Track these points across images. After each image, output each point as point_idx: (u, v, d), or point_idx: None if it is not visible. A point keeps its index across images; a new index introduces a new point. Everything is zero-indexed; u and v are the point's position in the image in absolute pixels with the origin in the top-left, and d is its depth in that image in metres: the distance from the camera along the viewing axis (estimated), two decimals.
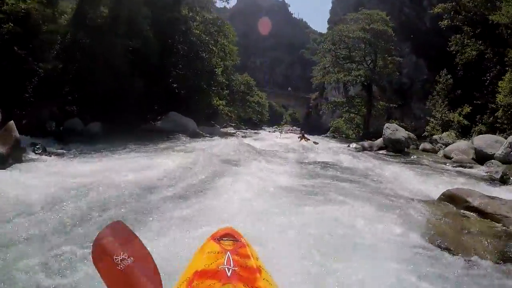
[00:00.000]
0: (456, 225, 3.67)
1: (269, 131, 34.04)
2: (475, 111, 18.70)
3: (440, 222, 3.73)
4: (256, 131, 33.02)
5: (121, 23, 13.23)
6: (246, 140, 15.50)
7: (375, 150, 13.36)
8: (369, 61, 25.72)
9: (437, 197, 4.80)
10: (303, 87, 61.20)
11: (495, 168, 9.02)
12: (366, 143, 14.66)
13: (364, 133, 24.98)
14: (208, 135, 15.24)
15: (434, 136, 17.19)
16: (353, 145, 15.66)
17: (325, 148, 13.54)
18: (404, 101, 26.13)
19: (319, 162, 8.80)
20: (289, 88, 60.25)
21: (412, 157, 12.00)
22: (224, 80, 23.54)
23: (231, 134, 19.77)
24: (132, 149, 8.65)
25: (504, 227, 3.54)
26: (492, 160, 9.87)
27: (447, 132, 18.28)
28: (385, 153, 12.59)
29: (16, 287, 2.18)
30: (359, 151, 13.74)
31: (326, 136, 27.67)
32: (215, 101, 24.01)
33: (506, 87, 16.13)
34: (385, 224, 3.60)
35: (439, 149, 14.57)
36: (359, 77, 24.34)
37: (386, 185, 5.93)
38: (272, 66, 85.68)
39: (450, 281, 2.56)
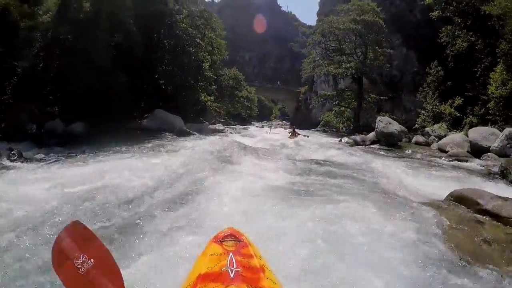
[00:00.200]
0: (470, 231, 3.28)
1: (257, 127, 33.52)
2: (466, 102, 18.60)
3: (452, 227, 3.32)
4: (245, 126, 32.50)
5: (103, 17, 12.47)
6: (235, 137, 15.02)
7: (368, 145, 12.99)
8: (360, 53, 25.33)
9: (442, 197, 4.44)
10: (293, 81, 60.87)
11: (492, 162, 8.76)
12: (358, 137, 14.27)
13: (355, 126, 24.74)
14: (195, 132, 14.64)
15: (426, 129, 16.98)
16: (345, 139, 15.29)
17: (317, 143, 13.10)
18: (395, 93, 25.91)
19: (311, 160, 8.39)
20: (278, 82, 59.63)
21: (406, 151, 11.70)
22: (211, 75, 22.84)
23: (220, 131, 19.20)
24: (115, 150, 8.10)
25: None
26: (488, 153, 9.61)
27: (438, 124, 18.13)
28: (378, 147, 12.25)
29: None
30: (352, 146, 13.38)
31: (317, 130, 27.37)
32: (203, 97, 23.36)
33: (498, 79, 16.02)
34: (390, 227, 3.34)
35: (432, 141, 14.30)
36: (350, 69, 23.97)
37: (385, 183, 5.57)
38: (261, 60, 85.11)
39: None
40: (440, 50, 20.98)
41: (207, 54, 22.72)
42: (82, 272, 1.32)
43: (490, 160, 8.89)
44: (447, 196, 4.00)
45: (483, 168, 8.06)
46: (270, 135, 19.39)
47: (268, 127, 30.96)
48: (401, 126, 15.19)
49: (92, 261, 1.36)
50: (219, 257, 1.48)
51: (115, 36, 13.01)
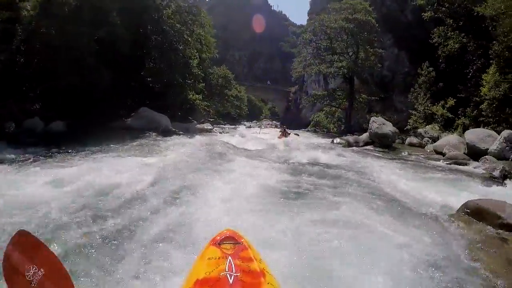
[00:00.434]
0: (495, 249, 2.75)
1: (246, 126, 32.98)
2: (458, 104, 18.48)
3: (474, 245, 2.83)
4: (234, 126, 31.86)
5: (86, 9, 11.74)
6: (223, 137, 14.52)
7: (362, 146, 12.61)
8: (351, 52, 25.01)
9: (451, 205, 4.02)
10: (283, 81, 60.57)
11: (491, 165, 8.41)
12: (351, 138, 13.86)
13: (346, 126, 24.44)
14: (181, 132, 14.07)
15: (419, 130, 16.74)
16: (337, 140, 14.88)
17: (309, 144, 12.62)
18: (386, 94, 25.72)
19: (304, 163, 7.89)
20: (268, 82, 59.16)
21: (402, 153, 11.37)
22: (200, 73, 22.16)
23: (208, 131, 18.54)
24: (93, 151, 7.57)
25: None
26: (487, 156, 9.28)
27: (430, 125, 17.97)
28: (372, 148, 11.89)
29: None
30: (345, 147, 12.96)
31: (307, 130, 27.03)
32: (191, 95, 22.69)
33: (491, 80, 15.89)
34: (401, 239, 3.00)
35: (426, 143, 14.01)
36: (342, 68, 23.58)
37: (387, 189, 5.16)
38: (251, 60, 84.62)
39: None
40: (431, 51, 20.90)
41: (195, 51, 22.11)
42: (34, 285, 1.26)
43: (489, 163, 8.55)
44: (462, 208, 3.53)
45: (483, 171, 7.70)
46: (260, 135, 18.88)
47: (258, 127, 30.47)
48: (393, 127, 14.87)
49: (43, 270, 1.30)
50: (218, 261, 1.43)
51: (98, 30, 12.32)
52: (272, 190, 4.85)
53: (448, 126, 18.23)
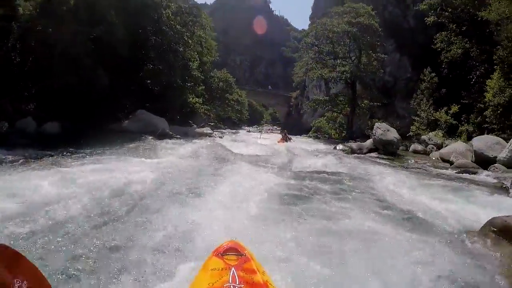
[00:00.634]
0: None
1: (246, 131, 32.71)
2: (461, 110, 18.29)
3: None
4: (235, 130, 31.60)
5: (82, 8, 11.51)
6: (222, 142, 14.15)
7: (365, 153, 12.25)
8: (353, 57, 24.78)
9: (469, 219, 3.73)
10: (284, 86, 60.49)
11: (502, 174, 8.09)
12: (354, 145, 13.53)
13: (348, 132, 24.16)
14: (179, 136, 13.67)
15: (423, 137, 16.46)
16: (340, 146, 14.55)
17: (311, 151, 12.30)
18: (388, 99, 25.51)
19: (307, 171, 7.50)
20: (270, 87, 59.05)
21: (409, 161, 10.99)
22: (200, 75, 21.89)
23: (207, 135, 18.16)
24: (85, 154, 7.19)
25: None
26: (495, 164, 8.95)
27: (434, 132, 17.69)
28: (377, 155, 11.52)
29: None
30: (348, 153, 12.65)
31: (309, 136, 26.70)
32: (191, 98, 22.41)
33: (495, 86, 15.67)
34: (425, 257, 2.72)
35: (431, 150, 13.70)
36: (345, 73, 23.28)
37: (399, 200, 4.79)
38: (252, 64, 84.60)
39: None
40: (434, 56, 20.80)
41: (195, 53, 21.87)
42: None
43: (499, 172, 8.23)
44: (487, 225, 3.20)
45: (495, 180, 7.39)
46: (261, 140, 18.60)
47: (259, 131, 30.20)
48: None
49: (26, 283, 1.28)
50: (221, 272, 1.43)
51: (94, 28, 12.03)
52: (272, 199, 4.59)
53: (451, 132, 18.00)
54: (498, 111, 15.40)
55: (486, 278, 2.42)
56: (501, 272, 2.48)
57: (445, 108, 19.01)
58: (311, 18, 41.21)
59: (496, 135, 13.86)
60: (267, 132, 31.26)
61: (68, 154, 7.01)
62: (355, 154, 12.14)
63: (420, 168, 9.28)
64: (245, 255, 1.61)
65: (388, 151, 11.78)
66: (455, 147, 11.19)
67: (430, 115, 19.69)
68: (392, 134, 12.24)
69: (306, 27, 35.80)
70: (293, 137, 19.77)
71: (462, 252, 2.84)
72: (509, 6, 15.37)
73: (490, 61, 17.20)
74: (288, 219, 3.70)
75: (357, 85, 25.03)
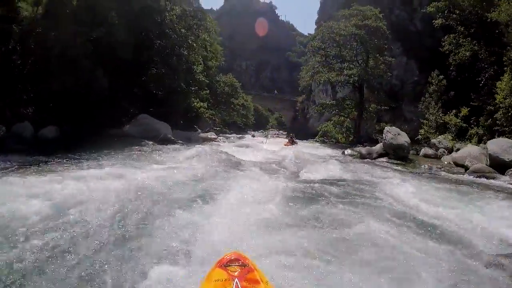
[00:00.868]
0: None
1: (251, 136, 32.45)
2: (470, 113, 18.00)
3: None
4: (241, 135, 31.45)
5: (83, 9, 11.42)
6: (226, 147, 13.72)
7: (375, 158, 11.97)
8: (361, 60, 24.56)
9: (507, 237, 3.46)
10: (290, 91, 60.32)
11: None
12: (363, 150, 13.22)
13: (355, 137, 23.89)
14: (181, 141, 13.35)
15: (432, 140, 16.15)
16: (348, 151, 14.25)
17: (319, 157, 11.89)
18: (396, 103, 25.26)
19: (317, 178, 6.96)
20: (275, 91, 58.88)
21: (422, 166, 10.63)
22: (204, 79, 21.75)
23: (211, 140, 17.79)
24: (79, 161, 6.86)
25: None
26: None
27: (443, 135, 17.38)
28: (387, 161, 11.20)
29: None
30: (357, 158, 12.40)
31: (316, 141, 26.44)
32: (195, 103, 22.28)
33: (506, 88, 15.36)
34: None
35: (442, 154, 13.39)
36: (352, 76, 23.04)
37: (416, 210, 4.45)
38: (258, 69, 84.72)
39: None
40: (441, 59, 20.57)
41: (200, 57, 21.77)
42: None
43: None
44: None
45: None
46: (267, 145, 18.30)
47: (264, 136, 30.00)
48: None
49: None
50: (224, 283, 1.44)
51: (95, 30, 11.89)
52: (280, 206, 4.39)
53: (460, 136, 17.70)
54: (509, 113, 15.10)
55: None
56: None
57: (454, 111, 18.72)
58: (317, 23, 41.16)
59: (508, 137, 13.54)
60: (273, 137, 31.03)
61: (63, 160, 6.69)
62: (365, 159, 11.88)
63: (433, 174, 8.97)
64: (248, 265, 1.60)
65: (398, 156, 11.49)
66: (469, 151, 10.88)
67: (439, 118, 19.41)
68: (403, 138, 11.97)
69: (312, 32, 35.67)
70: (300, 142, 19.53)
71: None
72: None
73: (499, 63, 16.94)
74: (297, 227, 3.58)
75: (364, 88, 24.80)
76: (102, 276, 2.39)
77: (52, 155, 7.01)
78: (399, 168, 9.77)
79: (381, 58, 23.18)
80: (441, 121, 19.20)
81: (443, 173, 9.12)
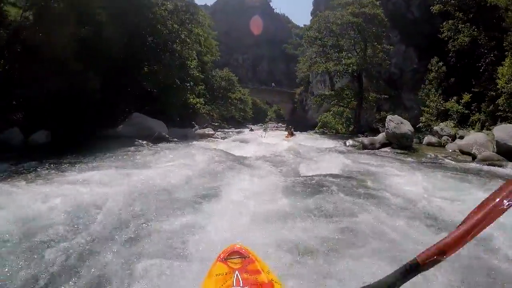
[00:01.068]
0: None
1: (250, 130, 32.13)
2: (471, 99, 17.86)
3: None
4: (239, 130, 31.14)
5: (69, 7, 11.01)
6: (224, 143, 13.32)
7: (378, 148, 11.71)
8: (359, 49, 24.18)
9: None
10: (287, 83, 60.03)
11: None
12: (366, 140, 12.93)
13: (355, 127, 23.67)
14: (176, 139, 12.94)
15: (435, 128, 15.95)
16: (350, 142, 13.97)
17: (320, 148, 11.61)
18: (395, 91, 25.05)
19: (319, 172, 6.47)
20: (273, 84, 58.37)
21: (428, 155, 10.29)
22: (199, 74, 21.37)
23: (209, 136, 17.43)
24: (68, 164, 6.54)
25: None
26: None
27: (445, 122, 17.20)
28: (391, 150, 10.93)
29: None
30: (359, 149, 12.18)
31: (315, 132, 26.17)
32: (191, 98, 21.94)
33: (507, 73, 15.17)
34: None
35: (446, 142, 13.17)
36: (351, 65, 22.67)
37: (429, 204, 4.17)
38: (255, 63, 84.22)
39: None
40: (440, 46, 20.46)
41: (193, 52, 21.38)
42: None
43: None
44: None
45: None
46: (265, 139, 17.97)
47: (263, 130, 29.70)
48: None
49: None
50: (225, 277, 1.43)
51: (81, 29, 11.47)
52: (283, 200, 4.26)
53: (462, 122, 17.54)
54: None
55: None
56: None
57: (455, 98, 18.53)
58: (312, 13, 40.68)
59: (510, 123, 13.41)
60: (272, 130, 30.68)
61: (53, 165, 6.33)
62: (368, 150, 11.64)
63: (440, 163, 8.64)
64: (249, 257, 1.59)
65: (402, 145, 11.24)
66: (475, 138, 10.63)
67: (440, 105, 19.22)
68: (406, 127, 11.71)
69: (307, 23, 35.18)
70: (299, 134, 19.31)
71: None
72: None
73: (499, 48, 16.79)
74: (300, 218, 3.52)
75: (363, 78, 24.52)
76: (103, 276, 2.37)
77: (43, 161, 6.68)
78: (404, 157, 9.44)
79: (379, 46, 22.81)
80: (442, 108, 19.02)
81: (449, 162, 8.85)
